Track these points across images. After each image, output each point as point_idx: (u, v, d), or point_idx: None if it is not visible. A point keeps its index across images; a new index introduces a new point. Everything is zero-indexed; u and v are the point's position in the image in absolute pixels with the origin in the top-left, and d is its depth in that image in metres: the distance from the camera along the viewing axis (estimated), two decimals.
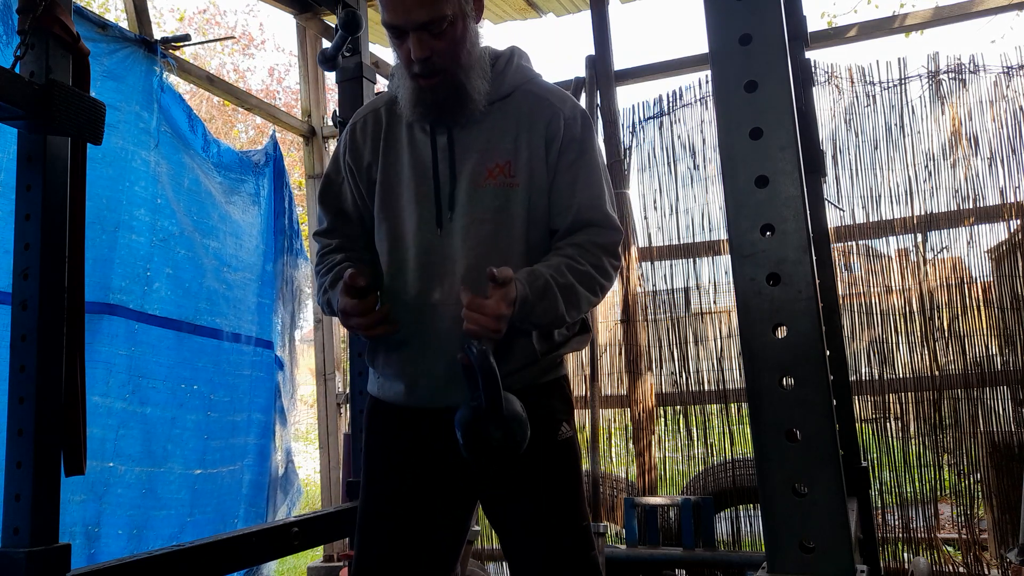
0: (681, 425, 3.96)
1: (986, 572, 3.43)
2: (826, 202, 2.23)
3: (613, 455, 4.10)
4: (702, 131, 3.99)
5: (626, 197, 4.01)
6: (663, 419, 3.99)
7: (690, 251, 3.99)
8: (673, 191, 4.03)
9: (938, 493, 3.56)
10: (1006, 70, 3.55)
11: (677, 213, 4.01)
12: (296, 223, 4.01)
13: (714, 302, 3.95)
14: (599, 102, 4.07)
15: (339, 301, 1.49)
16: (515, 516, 1.56)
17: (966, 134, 3.59)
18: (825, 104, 3.78)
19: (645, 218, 4.07)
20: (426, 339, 1.53)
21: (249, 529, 1.93)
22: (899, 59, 3.78)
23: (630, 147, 4.10)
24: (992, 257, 3.58)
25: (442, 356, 1.51)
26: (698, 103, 4.02)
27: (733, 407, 3.85)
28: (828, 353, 1.12)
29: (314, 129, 4.51)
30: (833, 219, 3.70)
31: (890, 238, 3.67)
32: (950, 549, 3.59)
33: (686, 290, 4.01)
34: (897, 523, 3.58)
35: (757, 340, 0.79)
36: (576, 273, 1.49)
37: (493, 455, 1.40)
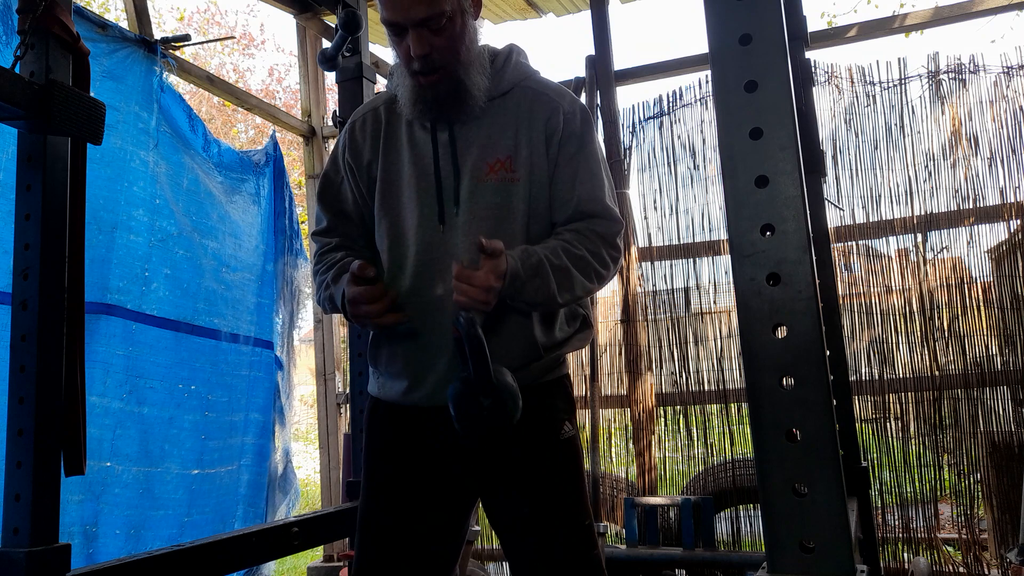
0: (681, 425, 3.96)
1: (986, 572, 3.43)
2: (826, 202, 2.23)
3: (613, 455, 4.10)
4: (702, 131, 3.99)
5: (626, 197, 4.02)
6: (663, 419, 3.99)
7: (690, 251, 3.99)
8: (673, 191, 4.03)
9: (938, 493, 3.56)
10: (1006, 70, 3.55)
11: (677, 213, 4.01)
12: (296, 223, 4.01)
13: (714, 302, 3.95)
14: (599, 102, 4.07)
15: (348, 291, 1.49)
16: (517, 515, 1.56)
17: (966, 134, 3.59)
18: (825, 104, 3.78)
19: (645, 218, 4.07)
20: (428, 335, 1.53)
21: (249, 529, 1.93)
22: (899, 59, 3.78)
23: (630, 147, 4.10)
24: (992, 257, 3.58)
25: (444, 352, 1.51)
26: (698, 103, 4.02)
27: (733, 407, 3.85)
28: (828, 353, 1.12)
29: (314, 129, 4.51)
30: (833, 219, 3.70)
31: (890, 238, 3.67)
32: (950, 549, 3.59)
33: (686, 290, 4.01)
34: (897, 523, 3.58)
35: (757, 340, 0.79)
36: (571, 256, 1.49)
37: (484, 425, 1.39)
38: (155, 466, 3.10)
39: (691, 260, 4.00)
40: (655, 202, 4.06)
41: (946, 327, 3.56)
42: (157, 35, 3.30)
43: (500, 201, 1.53)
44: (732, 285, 1.00)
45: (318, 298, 1.66)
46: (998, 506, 3.39)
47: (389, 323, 1.51)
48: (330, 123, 4.17)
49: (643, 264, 4.05)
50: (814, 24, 4.59)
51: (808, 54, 2.25)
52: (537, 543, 1.53)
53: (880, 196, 3.71)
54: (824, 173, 2.31)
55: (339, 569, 3.85)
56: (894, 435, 3.63)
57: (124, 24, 3.29)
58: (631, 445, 3.95)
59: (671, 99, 4.08)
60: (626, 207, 3.98)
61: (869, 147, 3.73)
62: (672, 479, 4.01)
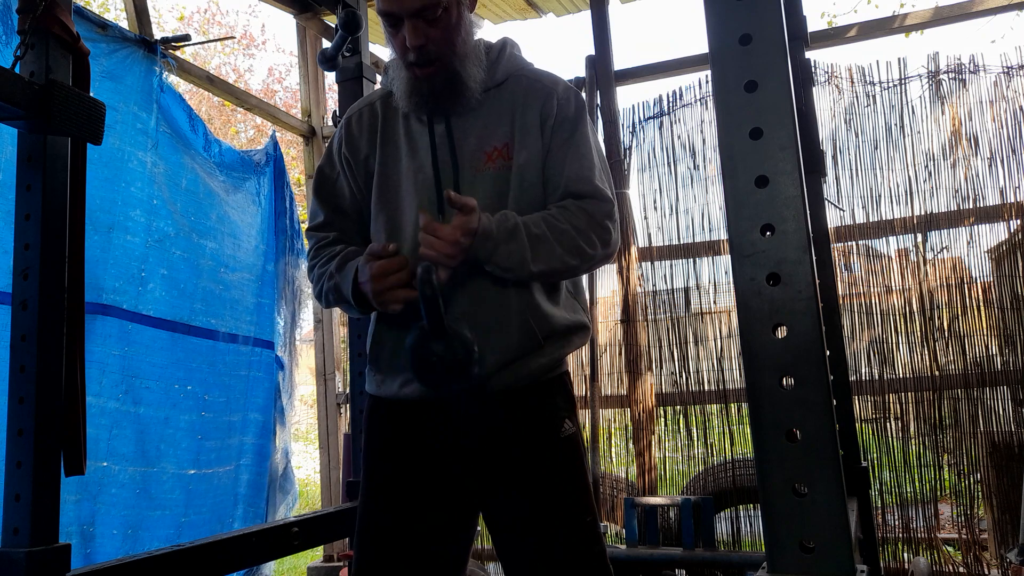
0: (681, 425, 3.96)
1: (986, 572, 3.43)
2: (826, 202, 2.23)
3: (613, 455, 4.10)
4: (702, 131, 3.99)
5: (626, 197, 4.02)
6: (663, 419, 3.99)
7: (690, 251, 3.99)
8: (673, 191, 4.03)
9: (938, 493, 3.56)
10: (1006, 70, 3.55)
11: (677, 213, 4.01)
12: (297, 223, 4.01)
13: (714, 302, 3.95)
14: (599, 102, 4.08)
15: (371, 267, 1.46)
16: (517, 515, 1.55)
17: (966, 134, 3.59)
18: (825, 104, 3.78)
19: (645, 218, 4.07)
20: None
21: (249, 529, 1.93)
22: (899, 59, 3.78)
23: (630, 147, 4.10)
24: (992, 257, 3.58)
25: None
26: (698, 103, 4.02)
27: (733, 407, 3.85)
28: (828, 353, 1.12)
29: (314, 129, 4.51)
30: (833, 219, 3.70)
31: (890, 238, 3.68)
32: (950, 549, 3.59)
33: (686, 290, 4.01)
34: (897, 523, 3.58)
35: (757, 340, 0.79)
36: (553, 229, 1.48)
37: (437, 372, 1.43)
38: (151, 466, 3.10)
39: (691, 260, 4.00)
40: (655, 202, 4.06)
41: (946, 327, 3.56)
42: (157, 35, 3.30)
43: (499, 190, 1.53)
44: (732, 285, 1.00)
45: (317, 291, 1.64)
46: (998, 506, 3.39)
47: (410, 298, 1.46)
48: (330, 123, 4.17)
49: (643, 264, 4.05)
50: (814, 24, 4.60)
51: (808, 54, 2.25)
52: (537, 543, 1.52)
53: (880, 196, 3.71)
54: (824, 173, 2.31)
55: (339, 569, 3.85)
56: (894, 435, 3.63)
57: (124, 24, 3.29)
58: (631, 445, 3.95)
59: (671, 99, 4.08)
60: (626, 207, 3.98)
61: (869, 147, 3.73)
62: (672, 479, 4.01)
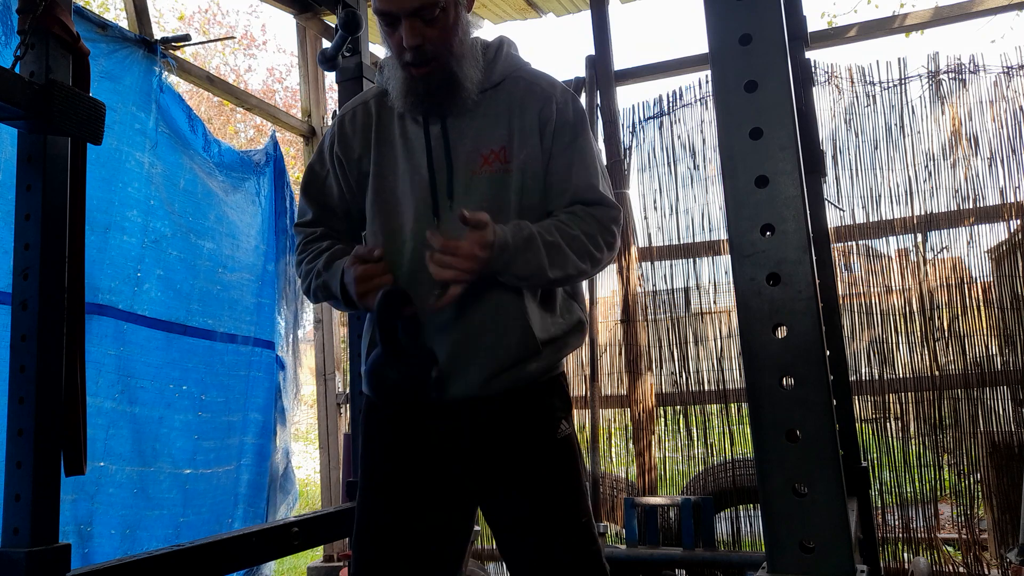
0: (681, 425, 3.96)
1: (986, 572, 3.43)
2: (826, 202, 2.23)
3: (613, 455, 4.10)
4: (702, 131, 3.99)
5: (626, 197, 4.02)
6: (663, 419, 3.99)
7: (690, 251, 3.99)
8: (673, 191, 4.03)
9: (938, 493, 3.56)
10: (1006, 70, 3.55)
11: (677, 213, 4.01)
12: None
13: (714, 302, 3.95)
14: (599, 102, 4.08)
15: (354, 271, 1.47)
16: (516, 515, 1.56)
17: (966, 134, 3.59)
18: (825, 104, 3.78)
19: (645, 218, 4.07)
20: (425, 327, 1.53)
21: (249, 529, 1.93)
22: (899, 59, 3.78)
23: (630, 147, 4.10)
24: (992, 257, 3.58)
25: (442, 345, 1.51)
26: (698, 103, 4.02)
27: (733, 407, 3.85)
28: (828, 353, 1.12)
29: (314, 129, 4.51)
30: (833, 219, 3.70)
31: (890, 238, 3.68)
32: (950, 549, 3.59)
33: (686, 290, 4.01)
34: (897, 523, 3.58)
35: (757, 340, 0.79)
36: (565, 235, 1.49)
37: (392, 397, 1.51)
38: (148, 466, 3.10)
39: (691, 260, 4.00)
40: (655, 202, 4.06)
41: (946, 327, 3.56)
42: (157, 35, 3.30)
43: (495, 193, 1.53)
44: (732, 285, 1.00)
45: (305, 287, 1.64)
46: (998, 506, 3.39)
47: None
48: (330, 123, 4.16)
49: (643, 264, 4.05)
50: (814, 24, 4.60)
51: (808, 54, 2.25)
52: (537, 543, 1.52)
53: (880, 196, 3.71)
54: (824, 173, 2.31)
55: (339, 569, 3.85)
56: (894, 435, 3.63)
57: (124, 24, 3.29)
58: (631, 445, 3.95)
59: (671, 99, 4.08)
60: (626, 207, 3.97)
61: (869, 147, 3.73)
62: (672, 479, 4.01)
